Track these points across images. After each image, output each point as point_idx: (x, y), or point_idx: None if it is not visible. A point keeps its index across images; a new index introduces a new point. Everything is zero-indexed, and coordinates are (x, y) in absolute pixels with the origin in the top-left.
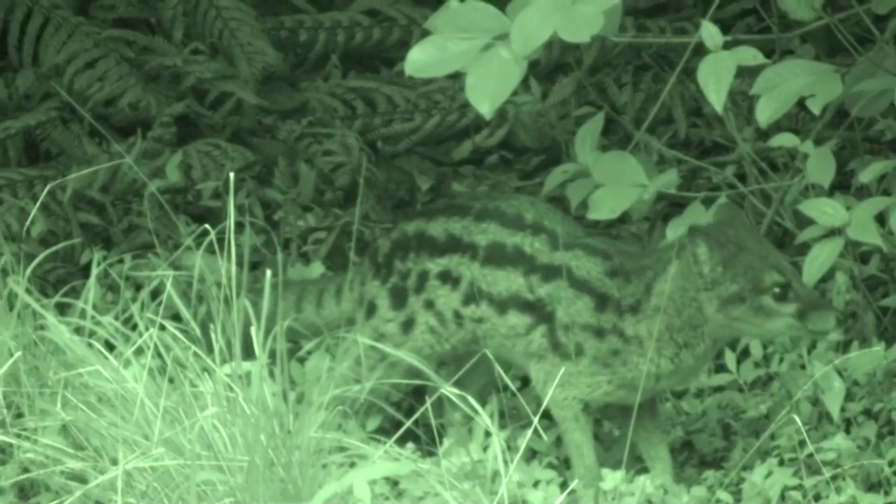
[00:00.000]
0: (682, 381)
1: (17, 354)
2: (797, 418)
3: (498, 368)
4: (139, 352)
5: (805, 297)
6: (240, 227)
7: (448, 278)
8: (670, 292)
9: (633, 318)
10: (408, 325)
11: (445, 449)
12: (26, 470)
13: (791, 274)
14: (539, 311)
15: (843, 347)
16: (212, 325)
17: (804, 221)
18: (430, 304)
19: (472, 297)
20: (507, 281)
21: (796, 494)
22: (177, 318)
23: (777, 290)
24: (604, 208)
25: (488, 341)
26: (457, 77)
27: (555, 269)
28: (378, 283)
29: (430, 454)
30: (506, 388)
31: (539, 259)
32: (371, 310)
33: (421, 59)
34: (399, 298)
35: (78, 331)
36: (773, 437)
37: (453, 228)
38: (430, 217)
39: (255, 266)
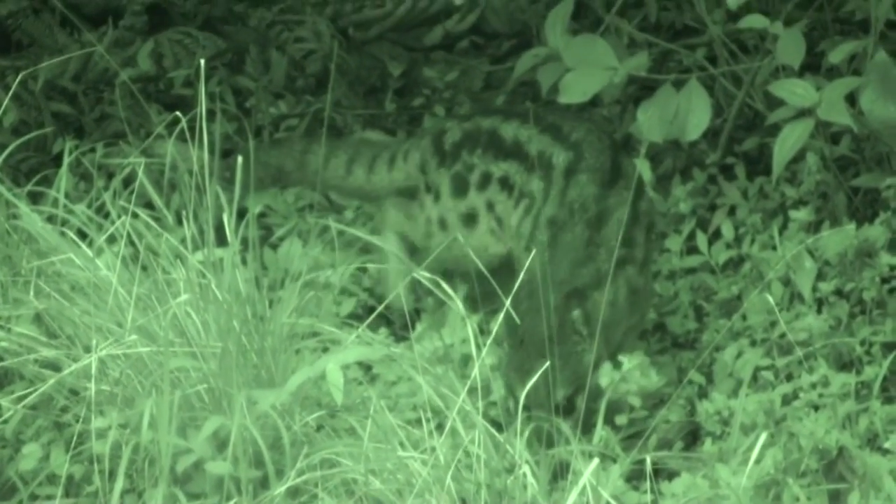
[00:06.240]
0: None
1: None
2: (769, 298)
3: (470, 253)
4: (112, 240)
5: None
6: (211, 114)
7: (506, 185)
8: None
9: None
10: (470, 220)
11: (418, 333)
12: (0, 359)
13: None
14: None
15: (815, 227)
16: (184, 213)
17: (774, 103)
18: (490, 206)
19: (519, 201)
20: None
21: (768, 374)
22: (149, 206)
23: None
24: (575, 92)
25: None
26: None
27: None
28: (444, 171)
29: (403, 339)
30: (478, 272)
31: None
32: (437, 196)
33: None
34: (460, 188)
35: (50, 219)
36: (744, 317)
37: (521, 135)
38: (506, 117)
39: (227, 153)
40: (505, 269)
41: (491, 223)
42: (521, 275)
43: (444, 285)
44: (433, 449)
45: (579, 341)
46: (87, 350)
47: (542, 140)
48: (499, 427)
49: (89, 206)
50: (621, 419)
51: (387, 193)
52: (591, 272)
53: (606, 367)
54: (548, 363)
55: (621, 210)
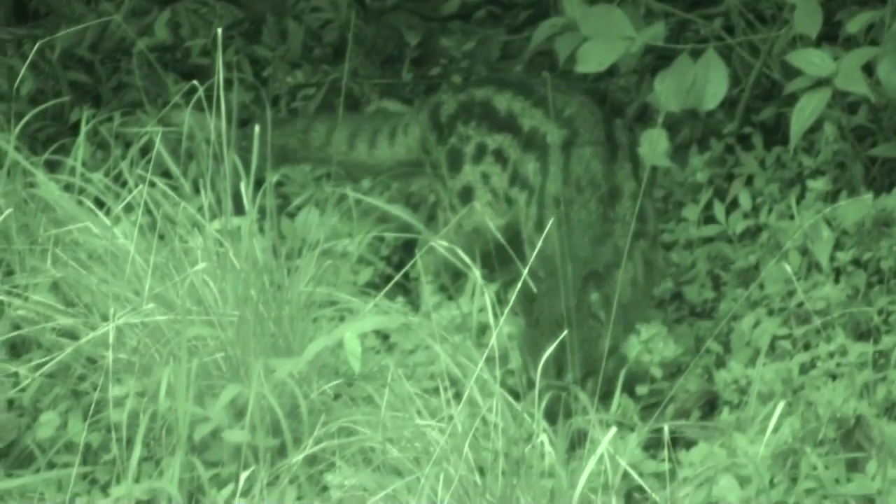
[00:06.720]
0: None
1: (8, 212)
2: (787, 268)
3: (487, 221)
4: (129, 208)
5: None
6: (228, 83)
7: (500, 157)
8: None
9: None
10: (466, 195)
11: (435, 302)
12: (17, 327)
13: None
14: None
15: (832, 197)
16: (201, 182)
17: (792, 72)
18: (486, 179)
19: (514, 180)
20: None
21: (785, 343)
22: (166, 174)
23: None
24: (592, 61)
25: None
26: None
27: None
28: (440, 147)
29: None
30: (496, 241)
31: None
32: (443, 181)
33: None
34: (456, 162)
35: (68, 188)
36: (762, 286)
37: (514, 107)
38: (500, 87)
39: (244, 123)
40: (511, 242)
41: (487, 196)
42: (538, 245)
43: (461, 253)
44: (451, 417)
45: (596, 326)
46: (105, 318)
47: (534, 115)
48: (516, 396)
49: (106, 175)
50: (642, 389)
51: (389, 167)
52: (610, 249)
53: (632, 339)
54: (559, 339)
55: (630, 183)
